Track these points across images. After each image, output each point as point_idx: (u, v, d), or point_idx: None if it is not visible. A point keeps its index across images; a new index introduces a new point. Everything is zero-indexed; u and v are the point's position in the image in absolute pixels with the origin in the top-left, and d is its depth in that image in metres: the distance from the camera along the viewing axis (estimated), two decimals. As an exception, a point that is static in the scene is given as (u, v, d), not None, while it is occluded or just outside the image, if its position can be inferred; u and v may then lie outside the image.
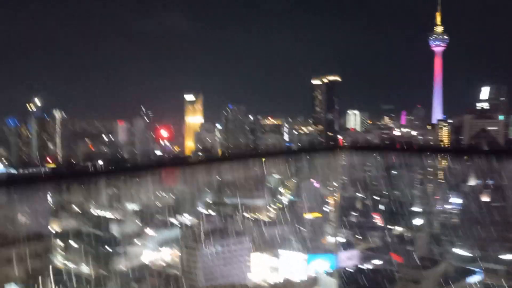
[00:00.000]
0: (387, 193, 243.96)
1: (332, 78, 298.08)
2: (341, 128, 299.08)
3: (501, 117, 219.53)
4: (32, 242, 61.00)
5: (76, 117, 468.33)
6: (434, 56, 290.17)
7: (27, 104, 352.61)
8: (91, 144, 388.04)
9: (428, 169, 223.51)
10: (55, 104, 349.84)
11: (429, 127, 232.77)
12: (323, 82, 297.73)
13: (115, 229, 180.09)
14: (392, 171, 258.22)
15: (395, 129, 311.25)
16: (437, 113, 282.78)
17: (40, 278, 60.63)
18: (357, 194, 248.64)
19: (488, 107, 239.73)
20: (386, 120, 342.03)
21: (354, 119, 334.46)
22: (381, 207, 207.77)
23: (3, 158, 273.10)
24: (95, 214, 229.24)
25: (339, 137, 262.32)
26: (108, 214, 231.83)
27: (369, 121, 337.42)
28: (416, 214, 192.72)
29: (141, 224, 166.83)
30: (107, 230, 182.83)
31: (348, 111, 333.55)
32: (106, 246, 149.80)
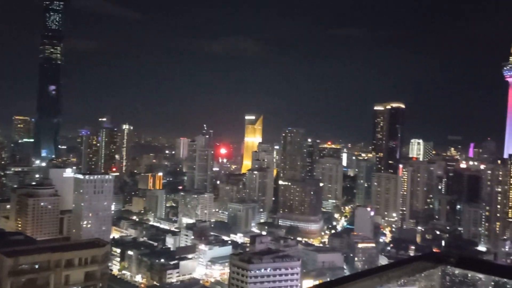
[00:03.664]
0: (450, 229, 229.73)
1: (396, 105, 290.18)
2: (402, 156, 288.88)
3: None
4: (94, 248, 64.30)
5: (143, 132, 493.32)
6: (509, 87, 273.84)
7: (99, 119, 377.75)
8: (154, 156, 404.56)
9: (498, 206, 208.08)
10: (124, 119, 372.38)
11: (499, 161, 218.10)
12: (386, 108, 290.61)
13: (170, 242, 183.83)
14: (458, 206, 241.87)
15: (462, 161, 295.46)
16: (509, 147, 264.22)
17: (97, 283, 63.44)
18: (418, 227, 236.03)
19: None
20: (453, 151, 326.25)
21: (417, 148, 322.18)
22: (443, 243, 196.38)
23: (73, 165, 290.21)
24: (153, 225, 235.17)
25: (400, 165, 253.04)
26: (165, 227, 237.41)
27: (433, 151, 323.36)
28: (481, 254, 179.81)
29: (195, 239, 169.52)
30: (162, 242, 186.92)
31: (411, 140, 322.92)
32: (160, 258, 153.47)
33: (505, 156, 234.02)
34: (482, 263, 5.30)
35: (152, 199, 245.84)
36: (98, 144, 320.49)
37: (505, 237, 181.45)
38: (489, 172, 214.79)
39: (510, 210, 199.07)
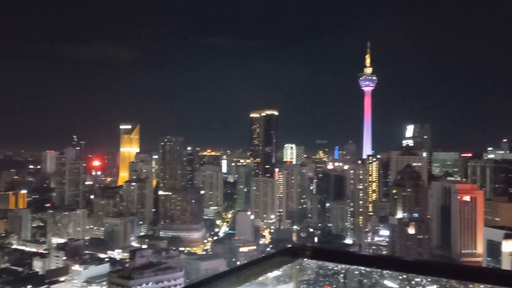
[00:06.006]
0: (321, 226, 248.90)
1: (270, 112, 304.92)
2: (278, 161, 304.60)
3: (424, 154, 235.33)
4: None
5: (1, 146, 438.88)
6: (364, 96, 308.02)
7: None
8: (15, 173, 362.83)
9: (360, 202, 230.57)
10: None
11: (359, 162, 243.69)
12: (261, 115, 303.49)
13: (38, 265, 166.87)
14: (326, 204, 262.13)
15: (329, 163, 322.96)
16: (367, 149, 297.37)
17: None
18: (294, 226, 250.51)
19: (412, 144, 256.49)
20: (321, 154, 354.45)
21: (290, 153, 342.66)
22: (315, 239, 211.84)
23: None
24: (17, 248, 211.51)
25: (276, 169, 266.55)
26: (31, 249, 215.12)
27: (304, 155, 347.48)
28: (347, 246, 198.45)
29: (67, 260, 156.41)
30: (29, 266, 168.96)
31: (285, 145, 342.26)
32: (27, 284, 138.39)
33: (364, 156, 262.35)
34: (335, 253, 6.04)
35: (14, 220, 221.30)
36: None
37: (367, 230, 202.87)
38: (351, 171, 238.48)
39: (370, 205, 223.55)
